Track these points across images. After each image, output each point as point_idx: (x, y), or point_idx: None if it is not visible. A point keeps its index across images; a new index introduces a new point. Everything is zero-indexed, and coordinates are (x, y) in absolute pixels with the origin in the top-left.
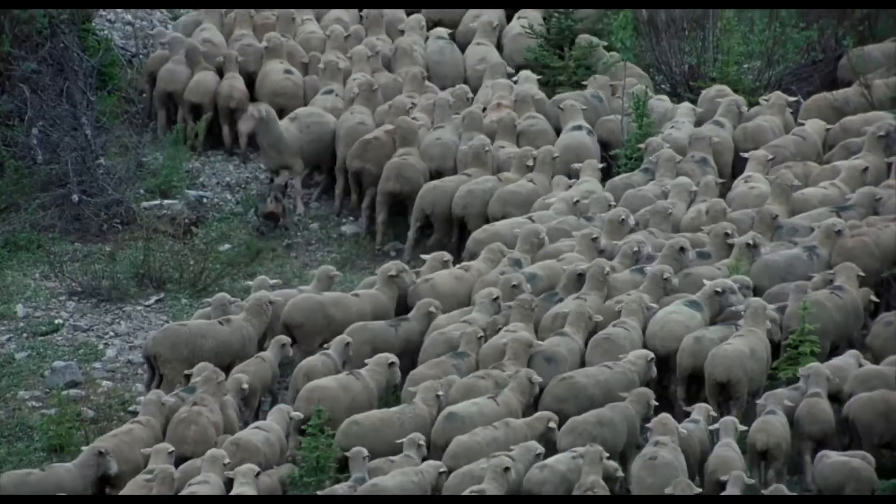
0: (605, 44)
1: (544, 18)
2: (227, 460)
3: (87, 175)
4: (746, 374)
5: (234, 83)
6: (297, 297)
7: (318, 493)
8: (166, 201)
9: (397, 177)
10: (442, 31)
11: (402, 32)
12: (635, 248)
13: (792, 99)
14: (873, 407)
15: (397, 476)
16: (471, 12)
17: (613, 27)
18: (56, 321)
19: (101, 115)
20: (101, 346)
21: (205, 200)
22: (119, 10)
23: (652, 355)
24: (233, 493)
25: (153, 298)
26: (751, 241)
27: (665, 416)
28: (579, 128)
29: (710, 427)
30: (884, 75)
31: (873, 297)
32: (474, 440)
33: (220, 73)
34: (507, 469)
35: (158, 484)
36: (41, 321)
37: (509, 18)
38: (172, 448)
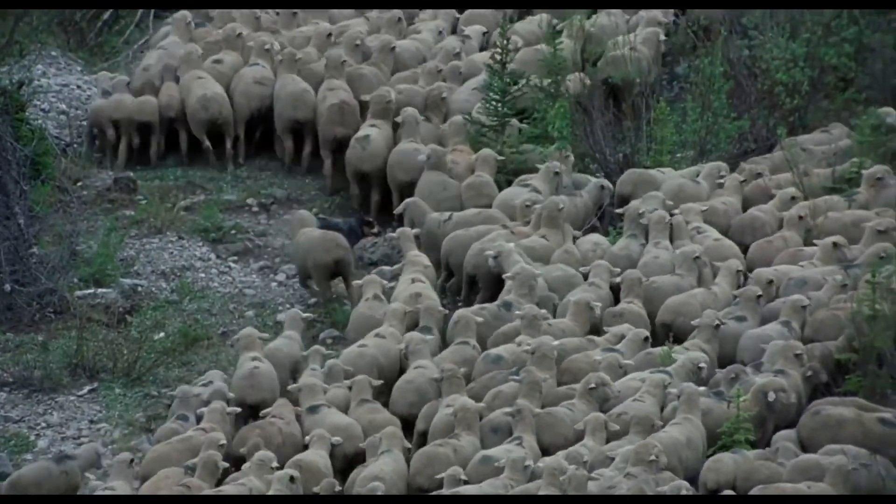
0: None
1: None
2: (274, 464)
3: (19, 264)
4: (681, 462)
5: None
6: None
7: None
8: (100, 290)
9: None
10: (477, 28)
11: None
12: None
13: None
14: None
15: (486, 486)
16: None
17: (550, 116)
18: None
19: (34, 204)
20: (32, 437)
21: (139, 289)
22: (53, 100)
23: (703, 363)
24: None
25: (86, 388)
26: (719, 322)
27: (643, 446)
28: (525, 185)
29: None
30: (816, 165)
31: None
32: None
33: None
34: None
35: (200, 468)
36: None
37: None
38: (223, 440)
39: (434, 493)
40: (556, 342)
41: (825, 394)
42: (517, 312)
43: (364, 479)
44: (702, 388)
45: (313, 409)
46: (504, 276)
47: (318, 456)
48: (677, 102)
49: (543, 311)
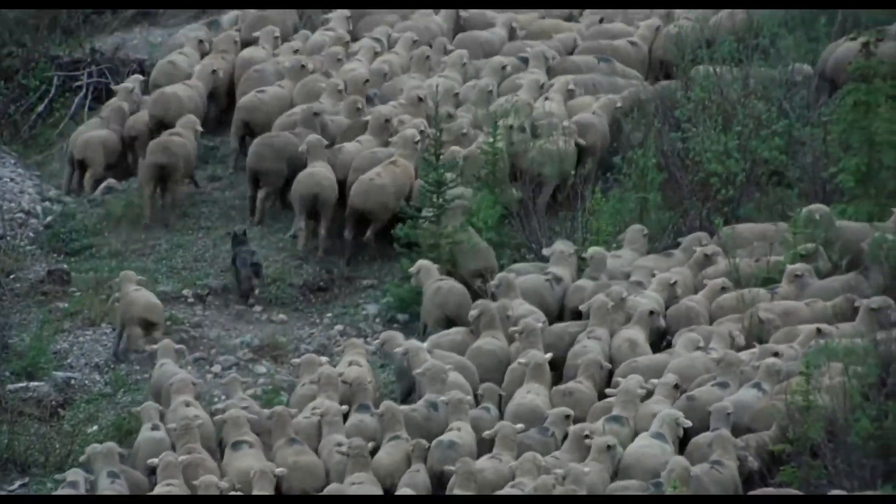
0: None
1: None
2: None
3: None
4: None
5: None
6: None
7: None
8: (32, 383)
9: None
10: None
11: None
12: None
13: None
14: None
15: None
16: None
17: (481, 205)
18: None
19: None
20: None
21: (73, 382)
22: None
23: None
24: None
25: (17, 483)
26: (644, 388)
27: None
28: (546, 273)
29: None
30: (750, 254)
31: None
32: None
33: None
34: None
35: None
36: None
37: None
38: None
39: None
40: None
41: (760, 485)
42: (441, 399)
43: None
44: (640, 483)
45: (236, 446)
46: (414, 372)
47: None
48: (612, 192)
49: (469, 397)
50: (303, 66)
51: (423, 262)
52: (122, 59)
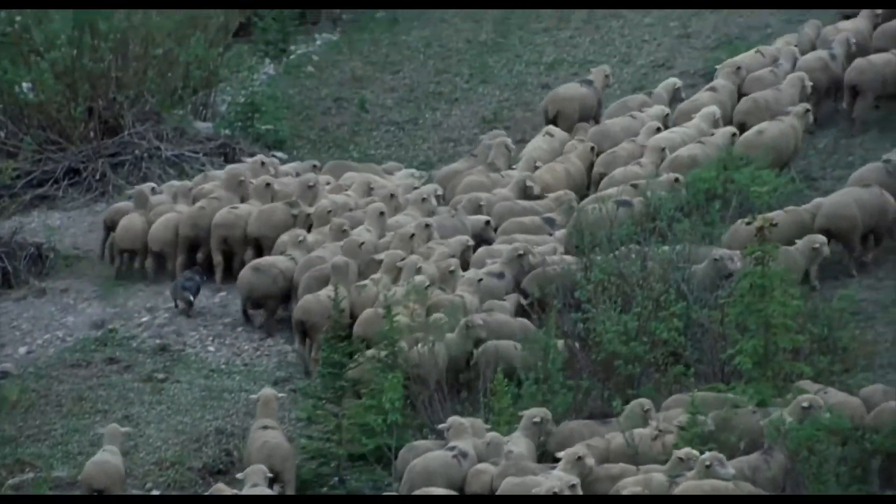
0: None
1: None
2: None
3: None
4: None
5: None
6: None
7: None
8: None
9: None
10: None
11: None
12: None
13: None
14: None
15: None
16: None
17: (385, 386)
18: None
19: None
20: None
21: None
22: None
23: None
24: None
25: None
26: None
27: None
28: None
29: None
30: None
31: None
32: None
33: None
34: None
35: None
36: None
37: None
38: None
39: None
40: None
41: None
42: None
43: None
44: None
45: None
46: None
47: None
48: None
49: None
50: (267, 185)
51: (266, 392)
52: (19, 242)
